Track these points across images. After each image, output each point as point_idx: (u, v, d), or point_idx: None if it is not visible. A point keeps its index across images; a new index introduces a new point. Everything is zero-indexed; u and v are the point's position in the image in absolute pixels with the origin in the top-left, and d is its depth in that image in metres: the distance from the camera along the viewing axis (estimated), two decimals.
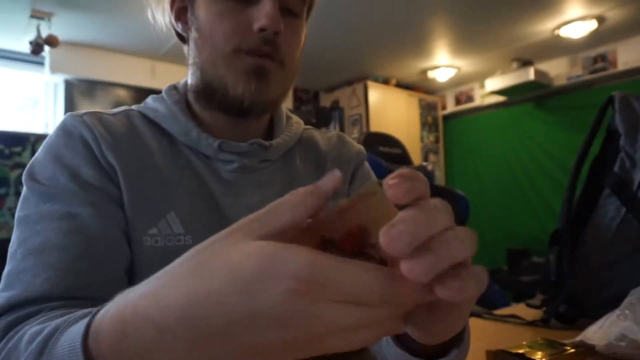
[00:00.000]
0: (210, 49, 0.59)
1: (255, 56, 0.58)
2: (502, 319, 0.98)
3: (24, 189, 0.54)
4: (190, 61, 0.63)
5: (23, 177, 0.54)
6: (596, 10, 3.42)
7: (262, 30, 0.57)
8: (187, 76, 0.66)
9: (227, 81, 0.59)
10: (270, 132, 0.70)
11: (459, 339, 0.44)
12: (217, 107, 0.62)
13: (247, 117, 0.63)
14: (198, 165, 0.61)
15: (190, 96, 0.66)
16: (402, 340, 0.45)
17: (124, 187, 0.55)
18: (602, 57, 4.15)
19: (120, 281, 0.51)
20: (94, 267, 0.49)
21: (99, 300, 0.42)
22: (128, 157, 0.57)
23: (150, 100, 0.67)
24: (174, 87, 0.68)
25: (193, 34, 0.62)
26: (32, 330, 0.37)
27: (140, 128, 0.62)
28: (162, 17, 0.67)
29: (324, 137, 0.75)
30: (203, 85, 0.61)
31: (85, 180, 0.54)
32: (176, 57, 3.88)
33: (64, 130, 0.57)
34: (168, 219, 0.57)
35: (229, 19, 0.58)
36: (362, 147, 0.77)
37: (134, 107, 0.65)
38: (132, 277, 0.54)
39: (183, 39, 0.66)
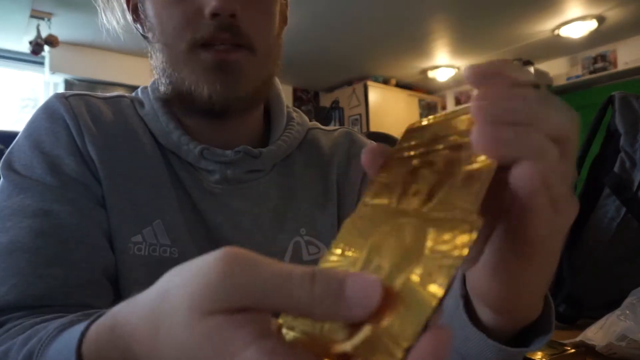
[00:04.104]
0: (165, 48, 0.52)
1: (214, 50, 0.49)
2: None
3: (1, 178, 0.49)
4: (152, 65, 0.56)
5: (0, 164, 0.49)
6: (596, 10, 3.42)
7: (215, 15, 0.48)
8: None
9: (189, 83, 0.51)
10: (267, 136, 0.61)
11: (545, 327, 0.35)
12: (192, 111, 0.55)
13: (227, 119, 0.54)
14: (182, 174, 0.54)
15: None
16: (474, 317, 0.36)
17: (106, 186, 0.50)
18: (602, 57, 4.15)
19: (99, 285, 0.47)
20: (70, 272, 0.44)
21: (74, 306, 0.41)
22: (113, 153, 0.51)
23: (139, 91, 0.60)
24: None
25: (149, 34, 0.54)
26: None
27: (130, 120, 0.55)
28: (112, 17, 0.59)
29: (329, 137, 0.65)
30: (172, 91, 0.53)
31: (65, 172, 0.49)
32: None
33: (46, 112, 0.52)
34: (155, 227, 0.51)
35: (177, 9, 0.49)
36: (372, 144, 0.65)
37: (127, 95, 0.59)
38: (116, 285, 0.49)
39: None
